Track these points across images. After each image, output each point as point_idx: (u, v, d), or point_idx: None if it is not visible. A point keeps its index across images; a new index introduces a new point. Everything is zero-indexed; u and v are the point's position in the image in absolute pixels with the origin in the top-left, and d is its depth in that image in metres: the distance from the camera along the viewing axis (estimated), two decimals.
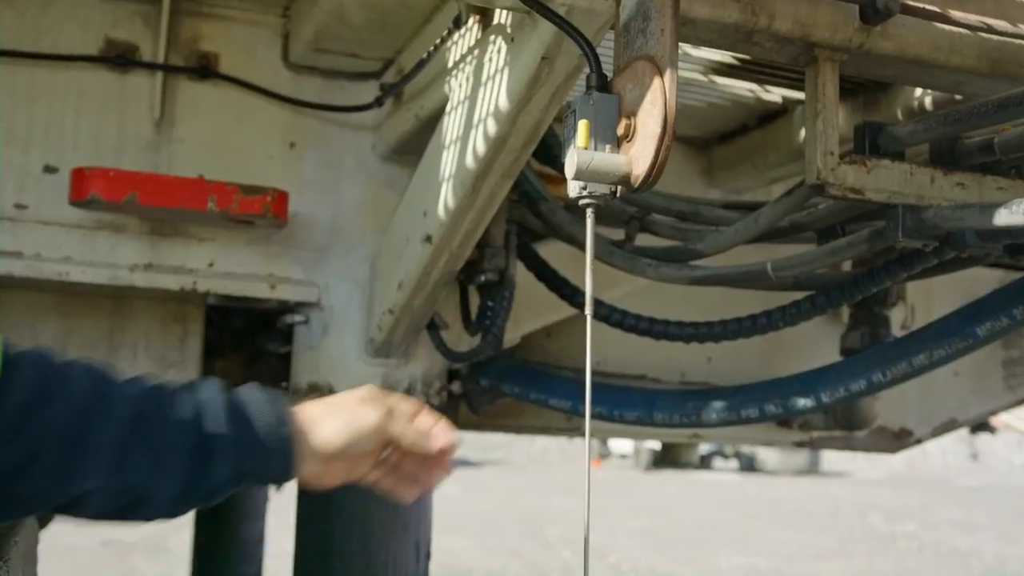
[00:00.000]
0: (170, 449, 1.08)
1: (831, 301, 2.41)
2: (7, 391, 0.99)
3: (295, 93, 2.73)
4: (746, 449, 29.35)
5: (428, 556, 2.85)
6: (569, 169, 1.51)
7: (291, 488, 2.82)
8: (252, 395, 1.16)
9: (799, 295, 2.53)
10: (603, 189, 1.53)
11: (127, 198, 2.38)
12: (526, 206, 2.69)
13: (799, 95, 2.80)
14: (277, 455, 1.14)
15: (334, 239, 2.74)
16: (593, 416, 2.85)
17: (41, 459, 1.01)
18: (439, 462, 1.25)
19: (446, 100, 2.29)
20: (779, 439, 3.58)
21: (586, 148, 1.52)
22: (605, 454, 32.51)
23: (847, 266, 2.94)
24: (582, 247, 2.68)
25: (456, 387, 2.99)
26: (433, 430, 1.23)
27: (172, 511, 1.13)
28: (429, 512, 2.87)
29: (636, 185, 1.52)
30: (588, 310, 1.48)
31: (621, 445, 31.74)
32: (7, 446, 0.99)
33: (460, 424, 3.68)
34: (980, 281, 3.02)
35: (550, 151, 2.60)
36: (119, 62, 2.59)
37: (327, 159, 2.76)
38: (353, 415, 1.18)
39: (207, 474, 1.11)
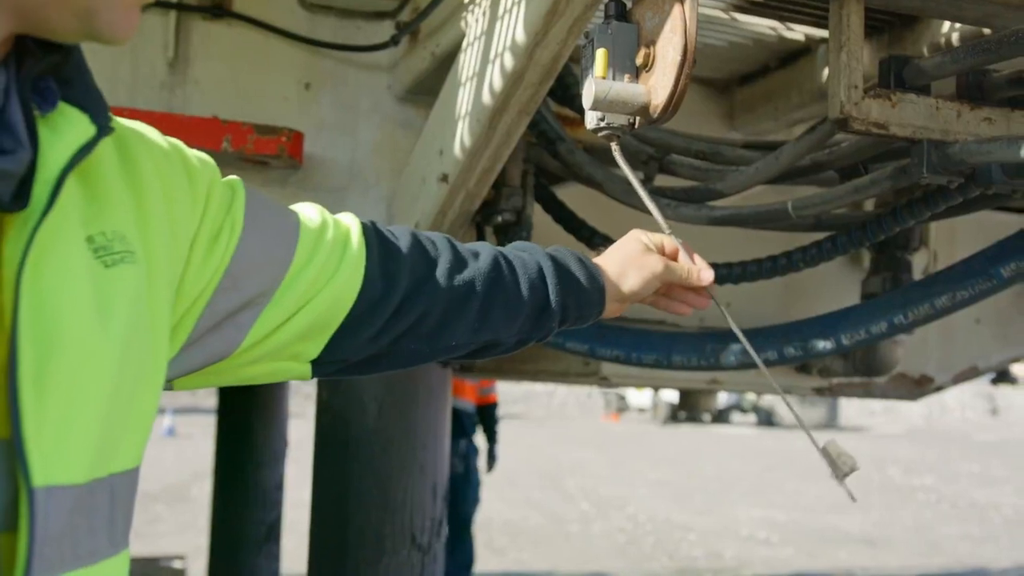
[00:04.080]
0: (517, 308, 1.38)
1: (853, 241, 2.37)
2: (398, 280, 1.27)
3: (310, 33, 2.69)
4: (764, 403, 29.37)
5: (445, 499, 2.86)
6: (587, 99, 1.48)
7: (308, 436, 2.83)
8: (569, 255, 1.45)
9: (820, 237, 2.50)
10: (621, 120, 1.50)
11: None
12: (544, 147, 2.66)
13: (822, 33, 2.74)
14: (593, 304, 1.45)
15: (351, 180, 2.72)
16: (611, 359, 2.86)
17: (423, 325, 1.30)
18: (700, 292, 1.51)
19: (462, 36, 2.26)
20: (798, 385, 3.56)
21: (604, 78, 1.48)
22: (623, 408, 32.60)
23: (869, 209, 2.90)
24: (600, 188, 2.66)
25: None
26: (700, 270, 1.49)
27: (515, 349, 1.45)
28: (445, 455, 2.87)
29: (655, 115, 1.48)
30: None
31: (639, 398, 31.82)
32: (398, 317, 1.27)
33: (479, 370, 3.68)
34: (1004, 226, 2.97)
35: (568, 91, 2.56)
36: None
37: (343, 100, 2.73)
38: (644, 267, 1.45)
39: (543, 323, 1.42)
